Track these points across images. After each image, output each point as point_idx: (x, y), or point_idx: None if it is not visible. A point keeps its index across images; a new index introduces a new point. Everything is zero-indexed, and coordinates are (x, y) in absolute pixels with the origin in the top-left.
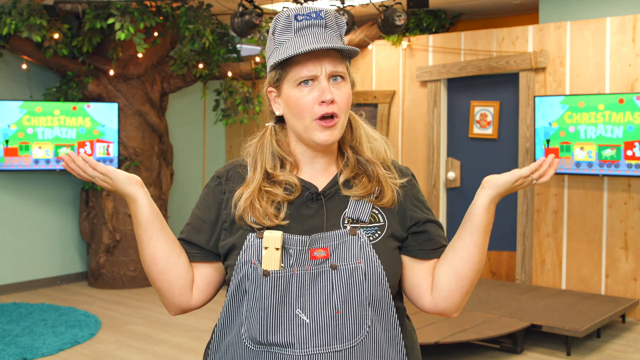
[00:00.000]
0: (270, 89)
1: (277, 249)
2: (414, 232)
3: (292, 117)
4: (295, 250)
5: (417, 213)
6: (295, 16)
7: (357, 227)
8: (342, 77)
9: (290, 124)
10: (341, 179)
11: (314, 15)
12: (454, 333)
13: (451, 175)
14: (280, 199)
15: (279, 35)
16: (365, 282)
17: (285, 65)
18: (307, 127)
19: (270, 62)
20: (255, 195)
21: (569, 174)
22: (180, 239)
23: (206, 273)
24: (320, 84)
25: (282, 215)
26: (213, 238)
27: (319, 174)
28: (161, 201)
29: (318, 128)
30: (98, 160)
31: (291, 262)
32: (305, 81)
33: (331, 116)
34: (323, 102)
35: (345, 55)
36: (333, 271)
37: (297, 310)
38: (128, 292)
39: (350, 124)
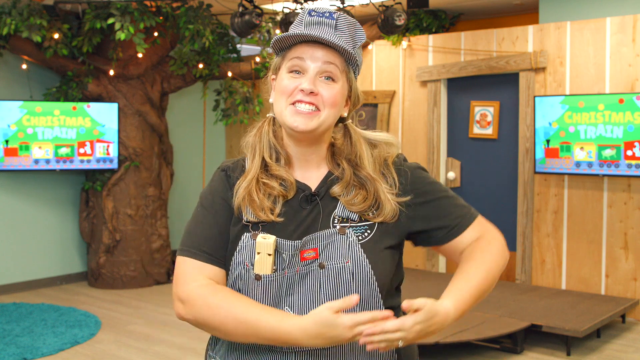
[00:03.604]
0: (273, 76)
1: (269, 254)
2: (433, 227)
3: (276, 99)
4: (288, 254)
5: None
6: (309, 12)
7: (347, 226)
8: (333, 79)
9: (274, 107)
10: (334, 190)
11: (327, 14)
12: (454, 333)
13: (451, 175)
14: (277, 192)
15: (293, 27)
16: (353, 281)
17: (285, 52)
18: (282, 109)
19: (272, 42)
20: (254, 185)
21: (569, 174)
22: (204, 252)
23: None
24: (307, 75)
25: (277, 210)
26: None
27: (310, 172)
28: (161, 201)
29: (290, 111)
30: (98, 160)
31: (283, 265)
32: (297, 70)
33: (315, 109)
34: (302, 90)
35: (348, 62)
36: (321, 270)
37: (286, 307)
38: (128, 292)
39: (350, 138)
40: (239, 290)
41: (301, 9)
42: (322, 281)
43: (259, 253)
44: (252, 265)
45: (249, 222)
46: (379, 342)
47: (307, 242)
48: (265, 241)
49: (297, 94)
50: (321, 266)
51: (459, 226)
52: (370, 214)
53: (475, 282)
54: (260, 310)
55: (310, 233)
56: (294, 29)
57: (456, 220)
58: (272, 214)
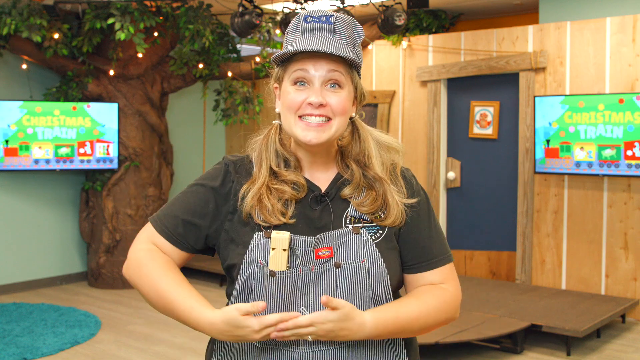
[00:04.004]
0: (276, 85)
1: (284, 250)
2: (410, 252)
3: (283, 112)
4: (302, 250)
5: (418, 235)
6: (305, 17)
7: (360, 226)
8: (339, 85)
9: (282, 119)
10: (345, 193)
11: (323, 19)
12: (454, 333)
13: (451, 175)
14: (289, 196)
15: (289, 34)
16: (369, 279)
17: (286, 63)
18: (292, 124)
19: (273, 58)
20: (264, 192)
21: (569, 174)
22: (165, 226)
23: (183, 261)
24: (313, 87)
25: (289, 213)
26: (202, 236)
27: (319, 173)
28: (161, 201)
29: (301, 125)
30: (98, 160)
31: (297, 262)
32: (301, 82)
33: (326, 119)
34: (310, 104)
35: (351, 65)
36: (337, 269)
37: (302, 308)
38: (128, 292)
39: (358, 135)
40: (252, 290)
41: (302, 9)
42: (338, 280)
43: (273, 249)
44: (266, 262)
45: (259, 223)
46: (289, 336)
47: (321, 240)
48: (280, 236)
49: (306, 108)
50: (337, 265)
51: (431, 263)
52: (379, 215)
53: (406, 316)
54: (181, 291)
55: (322, 231)
56: (291, 37)
57: (432, 257)
58: (284, 217)
